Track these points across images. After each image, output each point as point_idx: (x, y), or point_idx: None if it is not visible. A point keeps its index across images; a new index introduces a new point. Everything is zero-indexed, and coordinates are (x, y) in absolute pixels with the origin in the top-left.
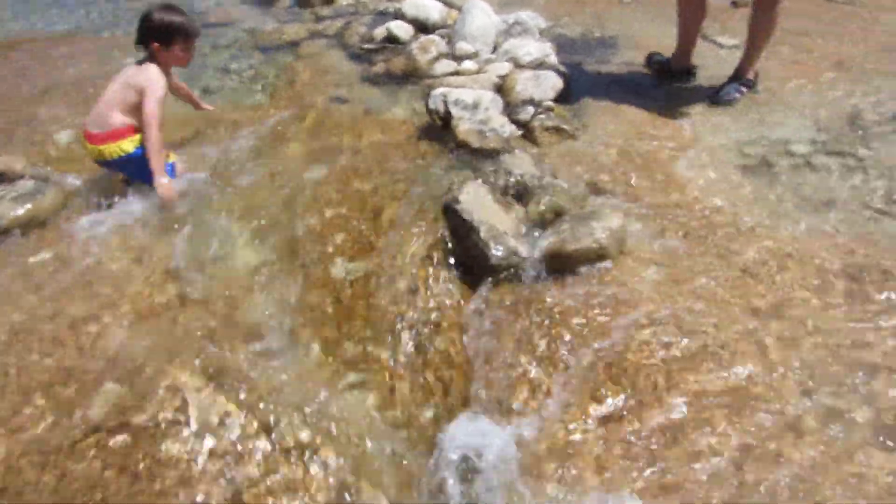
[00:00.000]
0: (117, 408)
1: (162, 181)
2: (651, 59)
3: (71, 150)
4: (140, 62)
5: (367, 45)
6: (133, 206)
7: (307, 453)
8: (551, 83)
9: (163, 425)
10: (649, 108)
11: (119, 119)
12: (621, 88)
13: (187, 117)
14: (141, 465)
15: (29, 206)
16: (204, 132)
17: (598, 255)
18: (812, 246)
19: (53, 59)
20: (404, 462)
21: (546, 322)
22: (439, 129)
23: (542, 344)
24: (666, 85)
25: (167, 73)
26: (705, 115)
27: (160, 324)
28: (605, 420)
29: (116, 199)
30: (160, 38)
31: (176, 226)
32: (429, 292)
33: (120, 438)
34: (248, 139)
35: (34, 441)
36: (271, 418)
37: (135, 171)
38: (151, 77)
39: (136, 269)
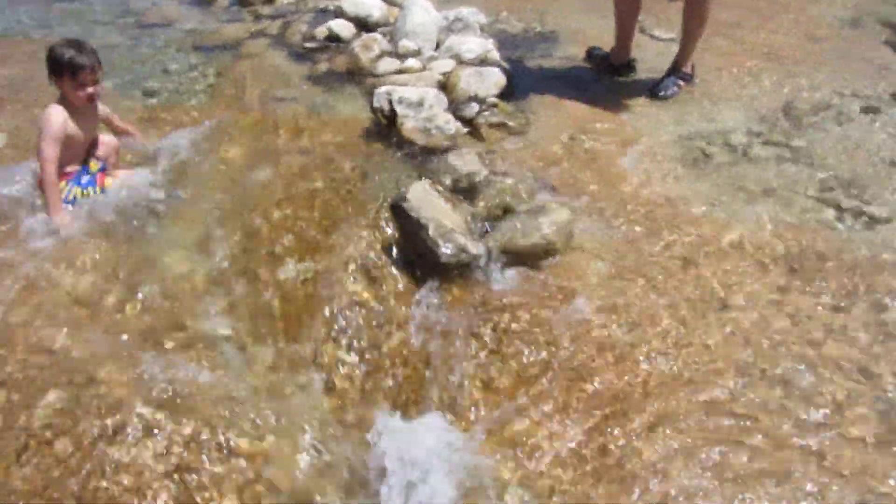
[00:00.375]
0: (60, 414)
1: (55, 219)
2: (591, 54)
3: (4, 155)
4: None
5: (309, 44)
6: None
7: (256, 459)
8: (494, 79)
9: (107, 432)
10: (592, 102)
11: None
12: (564, 83)
13: (129, 121)
14: (85, 472)
15: None
16: (145, 134)
17: (546, 251)
18: (751, 234)
19: None
20: (353, 466)
21: (495, 318)
22: (385, 127)
23: (492, 341)
24: (607, 79)
25: (73, 109)
26: (646, 108)
27: (103, 330)
28: (552, 415)
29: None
30: (53, 72)
31: (118, 231)
32: (378, 292)
33: (62, 446)
34: (191, 141)
35: None
36: (219, 423)
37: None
38: (44, 115)
39: (78, 275)
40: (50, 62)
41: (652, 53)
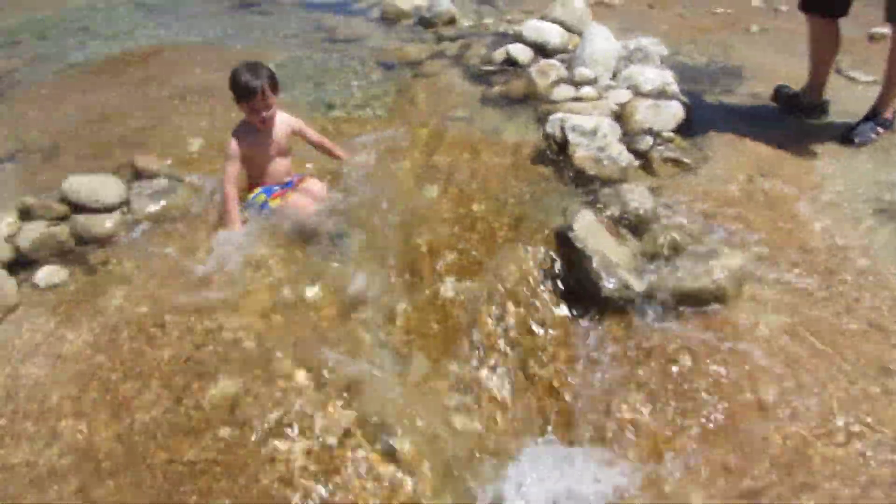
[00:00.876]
0: (229, 401)
1: (229, 228)
2: (779, 92)
3: (201, 155)
4: None
5: (486, 67)
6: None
7: (404, 469)
8: (672, 113)
9: (270, 423)
10: (776, 143)
11: None
12: (746, 121)
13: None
14: (246, 459)
15: (163, 202)
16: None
17: (714, 296)
18: None
19: (190, 67)
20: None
21: (654, 360)
22: (555, 154)
23: (649, 383)
24: (794, 120)
25: (256, 129)
26: (837, 154)
27: (275, 325)
28: (705, 472)
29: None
30: (233, 95)
31: (294, 237)
32: (537, 319)
33: (228, 431)
34: (365, 153)
35: (150, 422)
36: (373, 429)
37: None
38: (230, 139)
39: (256, 274)
40: (230, 86)
41: (848, 96)
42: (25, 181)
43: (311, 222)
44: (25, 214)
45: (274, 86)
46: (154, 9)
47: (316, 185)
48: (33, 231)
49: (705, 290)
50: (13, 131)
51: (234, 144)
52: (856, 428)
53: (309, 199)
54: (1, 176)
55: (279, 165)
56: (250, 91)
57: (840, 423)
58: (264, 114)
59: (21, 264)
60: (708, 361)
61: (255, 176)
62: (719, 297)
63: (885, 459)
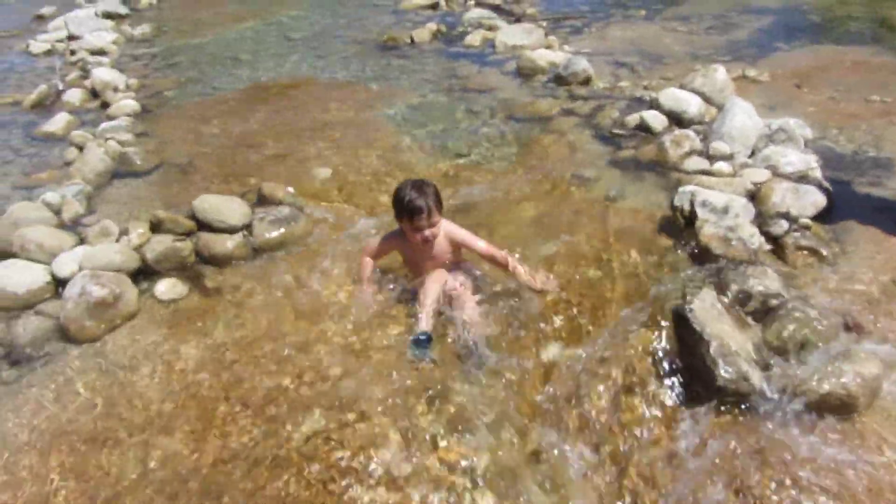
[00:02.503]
0: (319, 437)
1: (357, 291)
2: None
3: (326, 188)
4: None
5: (617, 130)
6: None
7: None
8: (812, 199)
9: (357, 466)
10: None
11: None
12: (893, 217)
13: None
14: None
15: (282, 230)
16: (447, 188)
17: (843, 404)
18: None
19: (326, 101)
20: None
21: (768, 466)
22: (681, 227)
23: (758, 490)
24: None
25: (411, 243)
26: None
27: (370, 367)
28: None
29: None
30: (395, 211)
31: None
32: (640, 400)
33: (316, 468)
34: (484, 199)
35: (241, 449)
36: (459, 488)
37: None
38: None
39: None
40: (393, 201)
41: None
42: (160, 196)
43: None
44: (156, 227)
45: (439, 204)
46: (300, 42)
47: (468, 311)
48: (161, 244)
49: (834, 395)
50: (158, 147)
51: (377, 243)
52: None
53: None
54: (139, 188)
55: (435, 266)
56: (415, 210)
57: None
58: (427, 233)
59: (145, 274)
60: (824, 473)
61: (411, 267)
62: (848, 405)
63: None
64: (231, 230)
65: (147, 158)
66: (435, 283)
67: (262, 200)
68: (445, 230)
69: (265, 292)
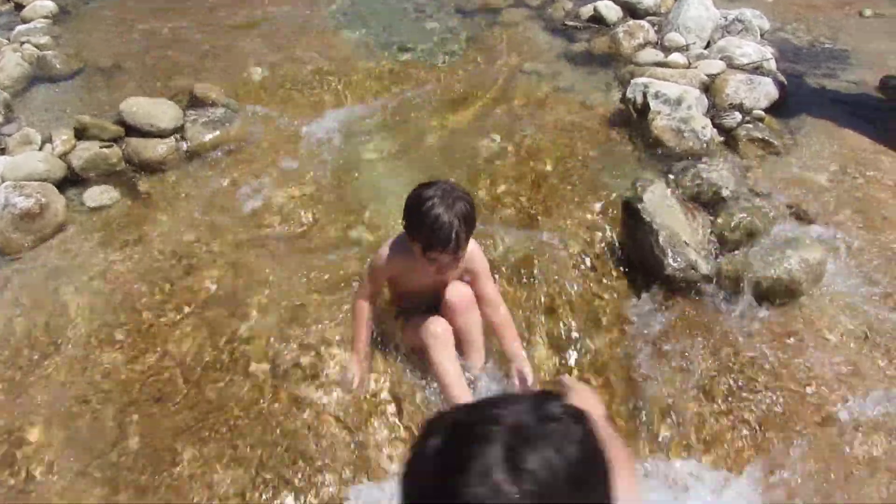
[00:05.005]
0: (263, 339)
1: (348, 359)
2: (888, 83)
3: (262, 86)
4: None
5: (570, 22)
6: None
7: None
8: (766, 91)
9: (303, 364)
10: (877, 136)
11: None
12: (846, 109)
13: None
14: (274, 399)
15: (217, 132)
16: (392, 86)
17: (787, 289)
18: None
19: None
20: None
21: (715, 351)
22: (633, 120)
23: (706, 374)
24: None
25: (416, 266)
26: None
27: (317, 265)
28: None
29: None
30: (405, 221)
31: (339, 167)
32: (591, 287)
33: (260, 369)
34: (432, 96)
35: (184, 355)
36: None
37: None
38: (378, 252)
39: (301, 202)
40: (410, 213)
41: None
42: (84, 101)
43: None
44: (80, 133)
45: (472, 229)
46: None
47: (453, 292)
48: (87, 150)
49: (779, 280)
50: (79, 50)
51: (383, 261)
52: None
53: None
54: (61, 94)
55: (435, 291)
56: (443, 242)
57: None
58: (444, 270)
59: (72, 183)
60: (769, 356)
61: (396, 298)
62: (792, 290)
63: None
64: (162, 134)
65: (68, 62)
66: (450, 359)
67: (194, 102)
68: (468, 252)
69: (201, 197)
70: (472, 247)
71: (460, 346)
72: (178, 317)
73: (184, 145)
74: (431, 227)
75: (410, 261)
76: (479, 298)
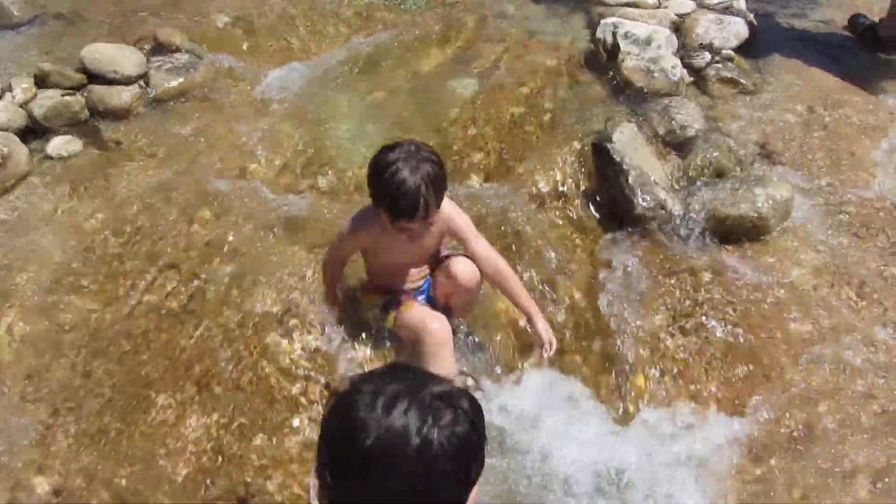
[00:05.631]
0: (235, 287)
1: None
2: (855, 22)
3: (227, 32)
4: None
5: None
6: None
7: None
8: (735, 30)
9: (274, 311)
10: (844, 75)
11: None
12: (815, 49)
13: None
14: (245, 346)
15: (182, 79)
16: (360, 30)
17: (754, 226)
18: None
19: None
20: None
21: (683, 286)
22: (603, 61)
23: (676, 309)
24: (869, 52)
25: (388, 234)
26: None
27: (286, 212)
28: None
29: (262, 84)
30: (370, 188)
31: (307, 115)
32: (563, 228)
33: (233, 316)
34: (401, 40)
35: (155, 303)
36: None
37: None
38: (344, 225)
39: (269, 150)
40: (373, 179)
41: None
42: (43, 48)
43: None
44: (41, 81)
45: (441, 192)
46: None
47: (460, 267)
48: (49, 99)
49: (746, 217)
50: None
51: (347, 232)
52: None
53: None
54: (19, 41)
55: (412, 271)
56: (409, 211)
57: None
58: (416, 236)
59: (34, 133)
60: (736, 290)
61: (374, 274)
62: (759, 227)
63: None
64: (126, 81)
65: (24, 9)
66: (448, 363)
67: (158, 48)
68: (444, 215)
69: (168, 144)
70: (448, 208)
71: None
72: (147, 265)
73: (149, 92)
74: (396, 193)
75: (379, 231)
76: (473, 259)
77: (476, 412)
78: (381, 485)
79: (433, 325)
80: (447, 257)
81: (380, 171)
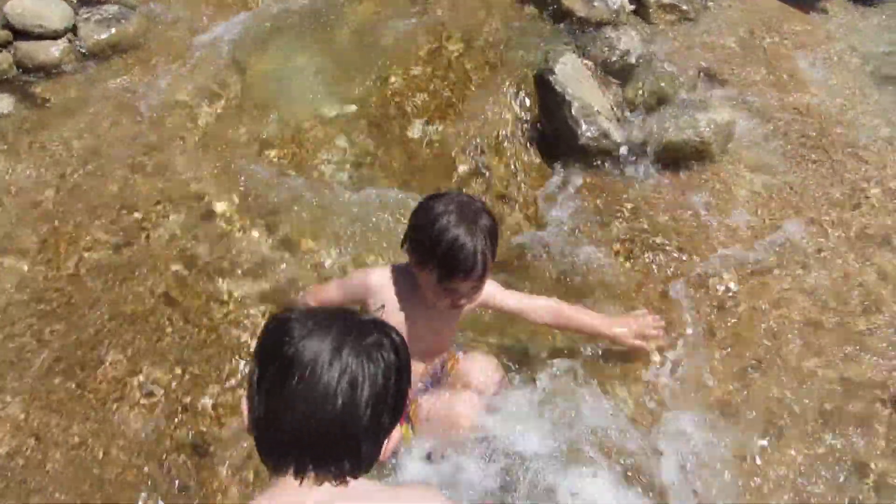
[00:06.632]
0: (177, 238)
1: None
2: None
3: None
4: None
5: None
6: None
7: None
8: None
9: (222, 263)
10: None
11: None
12: None
13: None
14: (193, 298)
15: (113, 31)
16: None
17: (698, 151)
18: None
19: None
20: None
21: (628, 214)
22: None
23: (620, 237)
24: None
25: (419, 301)
26: (847, 12)
27: (225, 156)
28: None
29: (199, 35)
30: (411, 244)
31: (247, 66)
32: (508, 165)
33: (180, 269)
34: None
35: (101, 260)
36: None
37: None
38: (371, 273)
39: (209, 101)
40: (419, 232)
41: None
42: None
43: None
44: None
45: (496, 251)
46: None
47: (477, 369)
48: None
49: (689, 142)
50: None
51: (358, 273)
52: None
53: (462, 407)
54: None
55: (430, 344)
56: (467, 268)
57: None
58: (463, 301)
59: None
60: (681, 216)
61: None
62: (703, 151)
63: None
64: (54, 35)
65: None
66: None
67: None
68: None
69: (102, 99)
70: (497, 289)
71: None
72: (88, 221)
73: (79, 46)
74: (453, 246)
75: (408, 291)
76: (514, 314)
77: (405, 349)
78: (300, 395)
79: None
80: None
81: (430, 223)
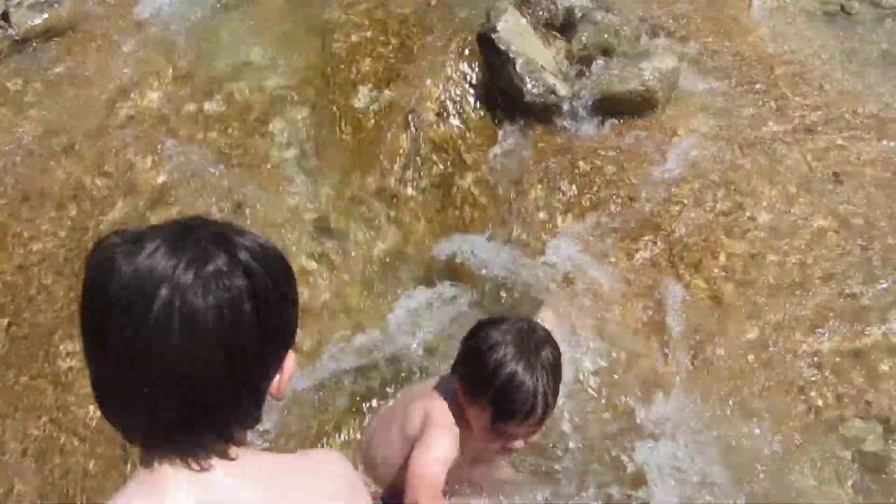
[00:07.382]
0: (124, 224)
1: None
2: None
3: None
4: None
5: None
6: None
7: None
8: None
9: None
10: None
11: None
12: None
13: None
14: None
15: (46, 15)
16: None
17: (644, 100)
18: (887, 108)
19: None
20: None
21: (578, 167)
22: None
23: (571, 190)
24: None
25: (468, 434)
26: None
27: (175, 141)
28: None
29: (135, 11)
30: (468, 380)
31: (187, 41)
32: (456, 128)
33: None
34: None
35: (48, 253)
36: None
37: None
38: (434, 420)
39: (153, 81)
40: (471, 364)
41: None
42: None
43: None
44: None
45: (559, 387)
46: None
47: None
48: None
49: (634, 92)
50: None
51: (443, 454)
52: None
53: None
54: None
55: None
56: (527, 412)
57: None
58: (518, 444)
59: None
60: (629, 166)
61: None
62: (649, 100)
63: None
64: None
65: None
66: None
67: None
68: None
69: (42, 86)
70: None
71: None
72: (35, 213)
73: (12, 32)
74: (507, 392)
75: (463, 433)
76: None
77: (268, 265)
78: (123, 354)
79: None
80: None
81: (483, 359)
